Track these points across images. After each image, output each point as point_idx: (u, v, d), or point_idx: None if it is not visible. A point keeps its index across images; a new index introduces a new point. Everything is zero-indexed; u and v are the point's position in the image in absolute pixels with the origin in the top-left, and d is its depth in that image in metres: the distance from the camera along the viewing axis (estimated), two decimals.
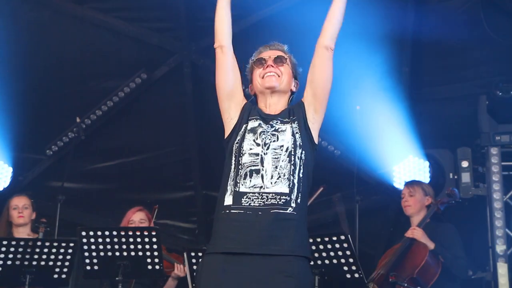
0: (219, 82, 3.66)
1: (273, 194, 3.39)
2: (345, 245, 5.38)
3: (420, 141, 7.26)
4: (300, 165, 3.47)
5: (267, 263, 3.31)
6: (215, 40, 3.68)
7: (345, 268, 5.41)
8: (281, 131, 3.54)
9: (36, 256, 5.60)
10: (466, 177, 6.95)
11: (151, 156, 8.26)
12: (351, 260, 5.40)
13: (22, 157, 8.03)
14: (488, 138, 6.93)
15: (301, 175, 3.45)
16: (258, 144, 3.51)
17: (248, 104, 3.67)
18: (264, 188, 3.40)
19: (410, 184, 6.33)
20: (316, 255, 5.41)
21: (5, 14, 7.20)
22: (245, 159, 3.47)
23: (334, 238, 5.40)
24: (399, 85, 7.34)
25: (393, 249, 6.00)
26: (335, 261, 5.41)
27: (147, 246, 5.54)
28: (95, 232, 5.53)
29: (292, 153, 3.47)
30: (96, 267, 5.56)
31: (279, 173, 3.43)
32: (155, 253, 5.55)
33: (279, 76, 3.66)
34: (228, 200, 3.44)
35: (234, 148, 3.53)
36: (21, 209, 6.38)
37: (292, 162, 3.45)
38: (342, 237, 5.39)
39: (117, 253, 5.52)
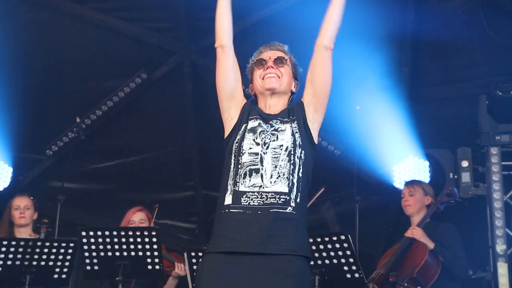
0: (219, 82, 3.65)
1: (273, 194, 3.39)
2: (345, 245, 5.38)
3: (420, 141, 7.26)
4: (299, 165, 3.47)
5: (267, 263, 3.31)
6: (215, 40, 3.68)
7: (345, 268, 5.41)
8: (281, 130, 3.53)
9: (36, 256, 5.60)
10: (466, 177, 6.95)
11: (151, 156, 8.26)
12: (351, 260, 5.39)
13: (22, 157, 8.03)
14: (488, 138, 6.94)
15: (300, 175, 3.45)
16: (257, 144, 3.51)
17: (248, 104, 3.67)
18: (263, 188, 3.40)
19: (410, 183, 6.33)
20: (316, 255, 5.41)
21: (4, 15, 7.19)
22: (245, 158, 3.47)
23: (334, 238, 5.39)
24: (399, 85, 7.34)
25: (393, 249, 6.00)
26: (335, 261, 5.41)
27: (147, 246, 5.54)
28: (95, 232, 5.53)
29: (292, 152, 3.47)
30: (96, 267, 5.56)
31: (278, 173, 3.43)
32: (155, 253, 5.55)
33: (279, 77, 3.65)
34: (228, 199, 3.44)
35: (233, 147, 3.53)
36: (22, 209, 6.37)
37: (291, 162, 3.45)
38: (342, 237, 5.38)
39: (117, 253, 5.52)
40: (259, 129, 3.55)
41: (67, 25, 7.55)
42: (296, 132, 3.53)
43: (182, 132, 8.17)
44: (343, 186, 7.59)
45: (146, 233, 5.55)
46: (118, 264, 5.52)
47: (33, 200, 6.48)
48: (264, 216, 3.35)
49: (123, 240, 5.52)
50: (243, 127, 3.57)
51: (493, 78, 7.10)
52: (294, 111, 3.61)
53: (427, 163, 7.37)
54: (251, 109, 3.64)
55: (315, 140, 3.59)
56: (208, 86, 7.62)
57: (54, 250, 5.63)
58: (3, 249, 5.56)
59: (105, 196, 8.28)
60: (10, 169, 7.94)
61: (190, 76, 7.76)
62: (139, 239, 5.53)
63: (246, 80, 3.77)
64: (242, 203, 3.40)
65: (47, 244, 5.64)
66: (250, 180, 3.43)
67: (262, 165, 3.45)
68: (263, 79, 3.66)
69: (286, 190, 3.40)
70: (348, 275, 5.42)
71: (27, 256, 5.58)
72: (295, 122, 3.56)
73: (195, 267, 5.71)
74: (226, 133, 3.62)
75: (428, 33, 7.19)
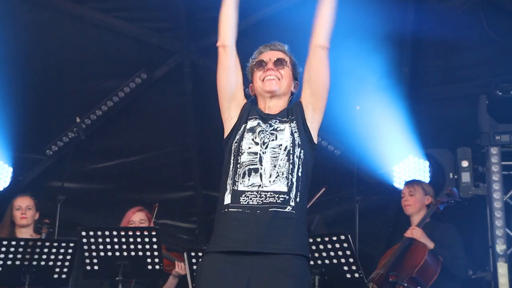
0: (220, 82, 3.65)
1: (272, 193, 3.39)
2: (345, 245, 5.38)
3: (420, 141, 7.26)
4: (299, 164, 3.47)
5: (267, 262, 3.31)
6: (218, 39, 3.67)
7: (345, 268, 5.41)
8: (280, 130, 3.53)
9: (36, 256, 5.60)
10: (466, 177, 6.95)
11: (151, 156, 8.26)
12: (351, 260, 5.39)
13: (22, 157, 8.03)
14: (488, 138, 6.94)
15: (300, 174, 3.45)
16: (256, 143, 3.51)
17: (248, 104, 3.66)
18: (262, 187, 3.40)
19: (410, 183, 6.33)
20: (316, 255, 5.41)
21: (4, 15, 7.19)
22: (244, 158, 3.47)
23: (334, 238, 5.39)
24: (399, 85, 7.34)
25: (393, 249, 6.00)
26: (335, 261, 5.41)
27: (147, 246, 5.53)
28: (95, 232, 5.52)
29: (291, 152, 3.47)
30: (96, 267, 5.56)
31: (277, 172, 3.43)
32: (155, 253, 5.55)
33: (279, 79, 3.65)
34: (227, 199, 3.44)
35: (233, 147, 3.53)
36: (24, 210, 6.37)
37: (290, 161, 3.45)
38: (342, 237, 5.38)
39: (117, 253, 5.52)
40: (258, 129, 3.55)
41: (67, 25, 7.55)
42: (295, 132, 3.52)
43: (182, 132, 8.17)
44: (343, 186, 7.59)
45: (146, 233, 5.55)
46: (118, 264, 5.52)
47: (34, 200, 6.48)
48: (263, 215, 3.35)
49: (123, 240, 5.52)
50: (242, 127, 3.57)
51: (493, 78, 7.10)
52: (293, 111, 3.60)
53: (427, 163, 7.37)
54: (250, 109, 3.63)
55: (315, 139, 3.59)
56: (208, 86, 7.62)
57: (54, 250, 5.63)
58: (3, 249, 5.56)
59: (105, 196, 8.28)
60: (10, 169, 7.94)
61: (190, 76, 7.76)
62: (139, 239, 5.53)
63: (246, 80, 3.77)
64: (241, 203, 3.40)
65: (47, 244, 5.64)
66: (249, 179, 3.43)
67: (261, 165, 3.45)
68: (263, 81, 3.65)
69: (285, 189, 3.40)
70: (348, 275, 5.42)
71: (27, 256, 5.58)
72: (294, 122, 3.56)
73: (195, 267, 5.71)
74: (226, 133, 3.62)
75: (428, 33, 7.19)
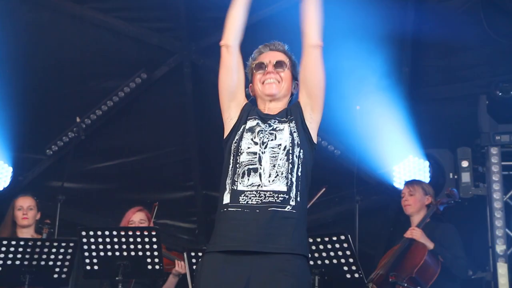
0: (221, 81, 3.64)
1: (271, 192, 3.39)
2: (345, 245, 5.38)
3: (420, 141, 7.26)
4: (298, 164, 3.47)
5: (266, 262, 3.31)
6: (222, 38, 3.65)
7: (345, 268, 5.41)
8: (279, 130, 3.53)
9: (36, 256, 5.59)
10: (466, 177, 6.95)
11: (151, 156, 8.26)
12: (351, 260, 5.39)
13: (22, 157, 8.03)
14: (488, 138, 6.94)
15: (299, 174, 3.45)
16: (256, 143, 3.51)
17: (248, 105, 3.66)
18: (261, 186, 3.40)
19: (410, 183, 6.33)
20: (316, 255, 5.41)
21: (4, 15, 7.19)
22: (243, 158, 3.48)
23: (334, 238, 5.39)
24: (399, 85, 7.34)
25: (392, 250, 6.00)
26: (335, 261, 5.41)
27: (147, 246, 5.53)
28: (95, 232, 5.52)
29: (290, 151, 3.47)
30: (96, 267, 5.55)
31: (277, 172, 3.43)
32: (155, 253, 5.55)
33: (279, 82, 3.65)
34: (226, 198, 3.45)
35: (232, 147, 3.53)
36: (25, 210, 6.36)
37: (290, 161, 3.45)
38: (342, 237, 5.38)
39: (117, 253, 5.52)
40: (257, 129, 3.55)
41: (67, 25, 7.55)
42: (294, 132, 3.52)
43: (182, 132, 8.17)
44: (343, 186, 7.59)
45: (146, 233, 5.55)
46: (118, 264, 5.52)
47: (36, 201, 6.47)
48: (262, 215, 3.35)
49: (123, 240, 5.51)
50: (241, 128, 3.57)
51: (493, 78, 7.10)
52: (292, 111, 3.60)
53: (427, 163, 7.36)
54: (250, 110, 3.63)
55: (314, 139, 3.58)
56: (208, 86, 7.63)
57: (54, 250, 5.62)
58: (3, 248, 5.55)
59: (105, 196, 8.28)
60: (10, 169, 7.94)
61: (190, 76, 7.76)
62: (139, 239, 5.52)
63: (247, 80, 3.76)
64: (241, 202, 3.40)
65: (47, 243, 5.63)
66: (248, 179, 3.43)
67: (261, 165, 3.45)
68: (263, 83, 3.65)
69: (284, 189, 3.40)
70: (348, 275, 5.42)
71: (27, 256, 5.58)
72: (293, 121, 3.56)
73: (195, 267, 5.70)
74: (226, 133, 3.62)
75: (428, 33, 7.19)
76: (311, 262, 5.37)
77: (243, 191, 3.41)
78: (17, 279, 5.58)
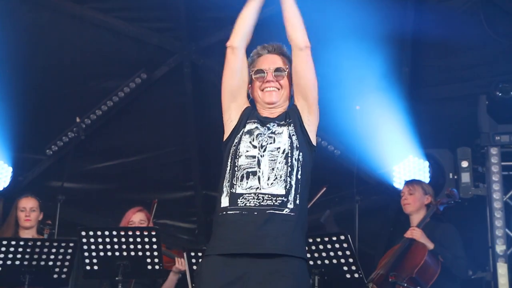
0: (224, 81, 3.64)
1: (269, 195, 3.39)
2: (345, 245, 5.37)
3: (420, 141, 7.27)
4: (297, 167, 3.47)
5: (265, 264, 3.31)
6: (229, 38, 3.64)
7: (345, 268, 5.41)
8: (278, 133, 3.53)
9: (36, 256, 5.59)
10: (466, 177, 6.95)
11: (151, 156, 8.26)
12: (351, 260, 5.39)
13: (22, 157, 8.03)
14: (488, 138, 6.94)
15: (299, 177, 3.45)
16: (254, 146, 3.51)
17: (249, 109, 3.65)
18: (260, 189, 3.41)
19: (410, 182, 6.33)
20: (316, 255, 5.41)
21: (4, 15, 7.19)
22: (242, 161, 3.47)
23: (334, 238, 5.39)
24: (399, 85, 7.34)
25: (392, 250, 6.00)
26: (335, 261, 5.40)
27: (147, 246, 5.53)
28: (95, 232, 5.52)
29: (289, 155, 3.47)
30: (96, 267, 5.55)
31: (275, 175, 3.43)
32: (155, 253, 5.54)
33: (279, 90, 3.64)
34: (225, 201, 3.45)
35: (231, 150, 3.53)
36: (28, 212, 6.34)
37: (289, 164, 3.45)
38: (342, 237, 5.38)
39: (117, 253, 5.52)
40: (256, 132, 3.55)
41: (67, 25, 7.55)
42: (293, 135, 3.52)
43: (182, 132, 8.17)
44: (343, 186, 7.58)
45: (146, 233, 5.55)
46: (118, 264, 5.52)
47: (39, 201, 6.45)
48: (260, 217, 3.36)
49: (123, 240, 5.51)
50: (241, 131, 3.57)
51: (493, 78, 7.10)
52: (291, 114, 3.60)
53: (427, 163, 7.37)
54: (250, 113, 3.63)
55: (313, 141, 3.58)
56: (208, 86, 7.63)
57: (54, 250, 5.62)
58: (3, 249, 5.55)
59: (105, 196, 8.28)
60: (10, 169, 7.94)
61: (190, 76, 7.76)
62: (139, 239, 5.52)
63: None
64: (239, 205, 3.40)
65: (47, 244, 5.63)
66: (247, 182, 3.43)
67: (260, 168, 3.45)
68: (262, 91, 3.64)
69: (283, 192, 3.40)
70: (348, 275, 5.42)
71: (27, 256, 5.57)
72: (292, 125, 3.55)
73: (195, 267, 5.70)
74: (225, 136, 3.62)
75: (428, 33, 7.18)
76: (311, 262, 5.38)
77: (241, 194, 3.41)
78: (17, 279, 5.58)
